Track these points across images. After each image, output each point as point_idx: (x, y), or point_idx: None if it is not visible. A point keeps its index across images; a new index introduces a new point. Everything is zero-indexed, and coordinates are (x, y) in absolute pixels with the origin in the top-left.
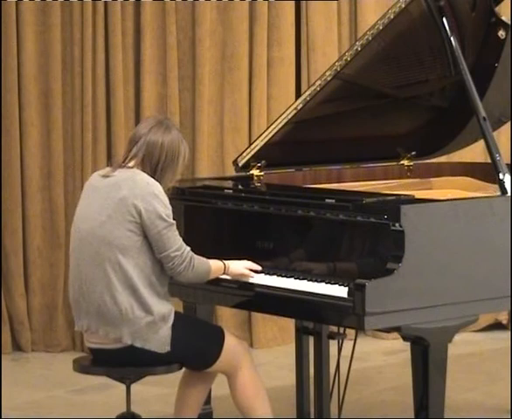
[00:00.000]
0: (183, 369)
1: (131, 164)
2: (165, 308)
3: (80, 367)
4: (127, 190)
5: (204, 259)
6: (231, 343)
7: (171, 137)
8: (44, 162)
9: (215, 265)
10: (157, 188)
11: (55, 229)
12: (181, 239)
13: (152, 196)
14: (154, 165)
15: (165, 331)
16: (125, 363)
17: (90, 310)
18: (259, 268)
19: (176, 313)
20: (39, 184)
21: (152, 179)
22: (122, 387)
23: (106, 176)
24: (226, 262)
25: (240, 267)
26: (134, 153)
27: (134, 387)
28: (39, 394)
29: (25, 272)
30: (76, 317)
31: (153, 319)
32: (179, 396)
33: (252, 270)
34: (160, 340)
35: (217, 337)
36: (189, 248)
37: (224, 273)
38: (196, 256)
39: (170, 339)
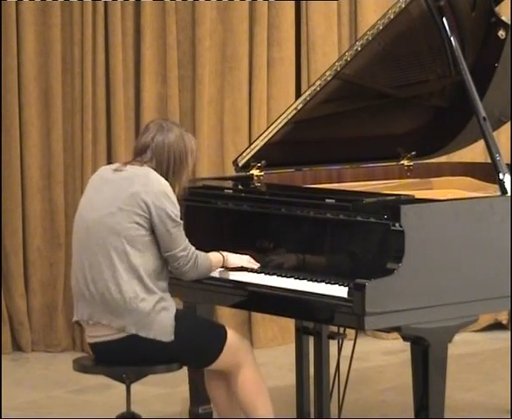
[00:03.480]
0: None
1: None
2: (168, 298)
3: (80, 367)
4: (139, 186)
5: (206, 256)
6: (233, 341)
7: (174, 138)
8: (44, 162)
9: (214, 259)
10: (168, 188)
11: (55, 229)
12: (186, 239)
13: (163, 195)
14: (165, 171)
15: (169, 319)
16: (127, 355)
17: (94, 299)
18: (258, 265)
19: (179, 310)
20: (39, 184)
21: (163, 179)
22: (122, 387)
23: (117, 170)
24: (224, 253)
25: (239, 259)
26: (147, 158)
27: (134, 387)
28: (39, 394)
29: (25, 272)
30: (76, 307)
31: (156, 306)
32: (213, 400)
33: (250, 268)
34: (164, 329)
35: (220, 335)
36: (194, 248)
37: (223, 265)
38: (199, 254)
39: (174, 329)
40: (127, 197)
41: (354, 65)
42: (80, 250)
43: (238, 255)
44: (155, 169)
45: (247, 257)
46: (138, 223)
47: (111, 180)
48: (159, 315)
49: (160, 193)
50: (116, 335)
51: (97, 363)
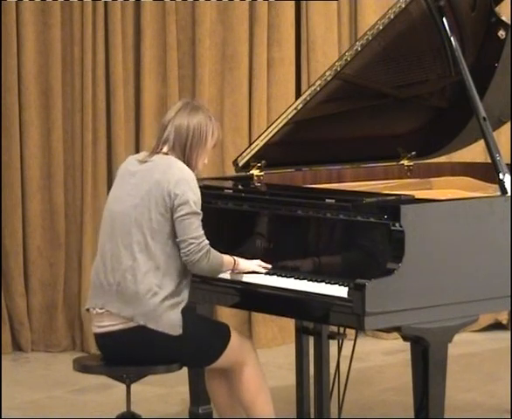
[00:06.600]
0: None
1: (165, 149)
2: (181, 293)
3: (80, 367)
4: (160, 174)
5: (219, 253)
6: (236, 340)
7: (198, 117)
8: (44, 162)
9: (226, 260)
10: (190, 175)
11: (55, 229)
12: (202, 231)
13: (183, 182)
14: (183, 146)
15: (177, 314)
16: (132, 347)
17: (110, 288)
18: (269, 266)
19: (183, 309)
20: (39, 184)
21: (187, 167)
22: (122, 387)
23: (143, 161)
24: (236, 258)
25: (250, 264)
26: (166, 137)
27: (134, 387)
28: (39, 394)
29: (25, 272)
30: (91, 295)
31: (168, 300)
32: (213, 400)
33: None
34: (172, 322)
35: (224, 333)
36: (207, 241)
37: (233, 269)
38: (212, 249)
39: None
40: (148, 187)
41: (354, 65)
42: (105, 241)
43: (248, 261)
44: (174, 147)
45: (258, 261)
46: (161, 214)
47: (135, 172)
48: (169, 310)
49: (180, 179)
50: (124, 324)
51: (100, 356)
